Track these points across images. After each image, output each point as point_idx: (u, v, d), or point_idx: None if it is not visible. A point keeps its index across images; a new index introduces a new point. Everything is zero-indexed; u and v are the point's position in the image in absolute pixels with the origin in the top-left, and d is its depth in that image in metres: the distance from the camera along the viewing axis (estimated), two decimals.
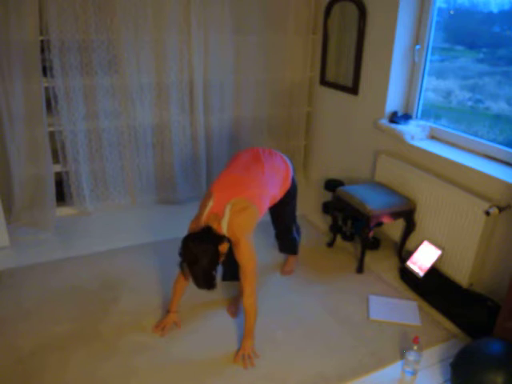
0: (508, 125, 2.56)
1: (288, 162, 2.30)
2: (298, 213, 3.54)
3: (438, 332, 2.32)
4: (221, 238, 1.95)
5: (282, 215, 2.50)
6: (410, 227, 2.81)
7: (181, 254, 1.92)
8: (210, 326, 2.33)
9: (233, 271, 2.23)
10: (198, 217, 2.05)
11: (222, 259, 1.98)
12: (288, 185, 2.26)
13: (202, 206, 2.03)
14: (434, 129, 2.93)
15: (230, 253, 2.04)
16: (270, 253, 2.94)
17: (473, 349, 1.90)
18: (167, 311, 2.27)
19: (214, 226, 1.96)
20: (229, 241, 2.00)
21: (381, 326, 2.35)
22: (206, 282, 1.90)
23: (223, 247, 1.96)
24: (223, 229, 1.96)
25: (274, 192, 2.16)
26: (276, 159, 2.23)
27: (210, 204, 1.98)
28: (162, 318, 2.27)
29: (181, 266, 1.94)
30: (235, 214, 1.94)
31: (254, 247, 2.01)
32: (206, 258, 1.85)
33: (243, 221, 1.96)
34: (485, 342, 1.94)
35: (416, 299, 2.57)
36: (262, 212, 2.07)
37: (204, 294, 2.43)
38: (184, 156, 3.61)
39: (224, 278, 2.54)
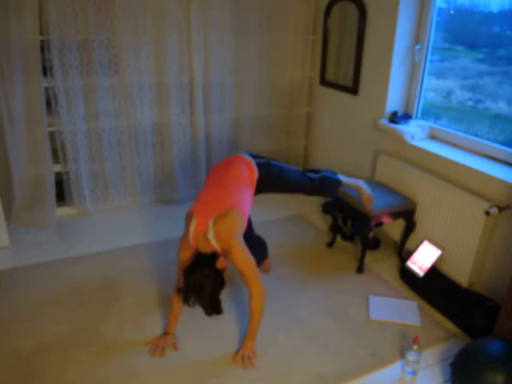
0: (508, 125, 2.56)
1: (247, 158, 2.28)
2: (298, 212, 3.57)
3: (438, 332, 2.32)
4: (214, 256, 1.96)
5: (287, 188, 2.46)
6: (409, 227, 2.81)
7: (184, 290, 1.93)
8: (210, 326, 2.33)
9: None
10: (185, 239, 2.04)
11: (226, 274, 1.99)
12: (254, 175, 2.24)
13: (186, 228, 2.04)
14: (434, 129, 2.93)
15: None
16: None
17: (473, 349, 1.90)
18: (164, 333, 2.22)
19: (203, 243, 1.97)
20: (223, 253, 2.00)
21: (381, 326, 2.35)
22: (213, 308, 1.94)
23: (220, 263, 1.97)
24: (212, 242, 1.96)
25: (248, 191, 2.18)
26: (237, 163, 2.24)
27: (193, 223, 1.99)
28: (157, 339, 2.19)
29: (186, 300, 1.93)
30: (218, 224, 1.95)
31: (246, 248, 2.00)
32: (209, 283, 1.88)
33: (227, 225, 1.97)
34: (485, 342, 1.94)
35: (416, 299, 2.57)
36: (245, 213, 2.08)
37: None
38: (184, 156, 3.61)
39: None
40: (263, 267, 2.71)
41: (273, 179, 2.33)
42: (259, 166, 2.29)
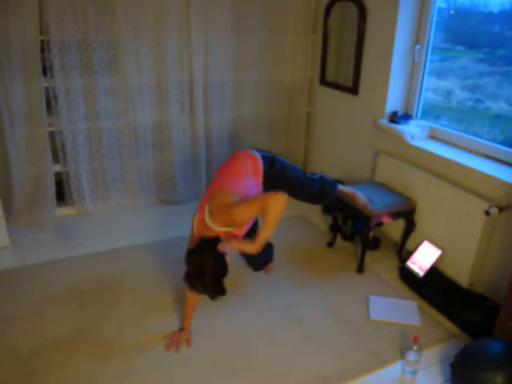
0: (508, 125, 2.56)
1: (251, 151, 2.29)
2: (298, 212, 3.57)
3: (438, 332, 2.32)
4: (216, 240, 1.96)
5: (291, 186, 2.43)
6: (410, 227, 2.81)
7: (187, 274, 1.95)
8: (209, 326, 2.33)
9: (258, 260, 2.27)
10: (191, 234, 2.12)
11: (229, 258, 2.00)
12: (259, 165, 2.23)
13: (192, 224, 2.12)
14: (434, 129, 2.93)
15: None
16: None
17: (473, 349, 1.91)
18: (180, 328, 2.26)
19: (205, 231, 2.01)
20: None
21: (381, 326, 2.35)
22: (216, 290, 1.93)
23: (221, 246, 1.97)
24: (210, 224, 1.98)
25: (250, 179, 2.17)
26: (240, 157, 2.24)
27: (196, 216, 2.08)
28: (173, 334, 2.23)
29: (190, 284, 1.96)
30: (211, 204, 1.99)
31: (244, 200, 1.94)
32: (209, 265, 1.89)
33: (218, 200, 1.98)
34: (485, 342, 1.94)
35: (416, 299, 2.57)
36: (238, 191, 2.03)
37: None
38: (184, 156, 3.61)
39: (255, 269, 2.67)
40: (266, 269, 2.76)
41: (277, 175, 2.32)
42: (264, 158, 2.28)
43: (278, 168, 2.32)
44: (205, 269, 1.88)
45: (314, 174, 2.59)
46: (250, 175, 2.18)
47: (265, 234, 1.93)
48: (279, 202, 1.88)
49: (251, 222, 2.12)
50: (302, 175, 2.46)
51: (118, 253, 2.97)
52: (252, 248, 1.97)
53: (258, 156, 2.26)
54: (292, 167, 2.41)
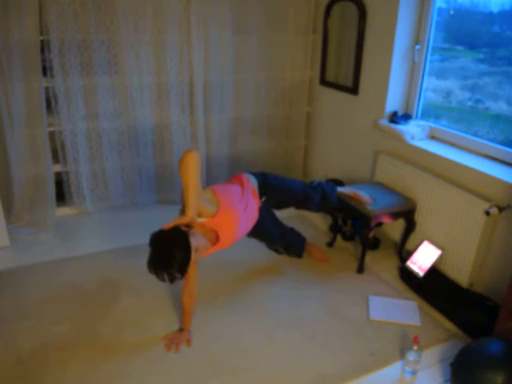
0: (508, 125, 2.56)
1: (239, 174, 2.39)
2: (297, 212, 3.55)
3: (438, 332, 2.32)
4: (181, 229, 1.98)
5: (293, 194, 2.55)
6: (410, 227, 2.81)
7: (150, 254, 1.94)
8: (209, 326, 2.33)
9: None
10: None
11: (200, 253, 2.00)
12: (243, 177, 2.32)
13: None
14: (434, 129, 2.93)
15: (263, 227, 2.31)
16: (269, 255, 2.94)
17: (473, 349, 1.90)
18: (180, 329, 2.26)
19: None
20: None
21: (381, 326, 2.35)
22: (181, 265, 1.89)
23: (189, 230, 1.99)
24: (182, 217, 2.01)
25: (234, 186, 2.26)
26: (229, 181, 2.38)
27: None
28: (173, 335, 2.23)
29: (152, 264, 1.92)
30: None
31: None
32: (172, 238, 1.98)
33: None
34: (485, 341, 1.93)
35: (416, 299, 2.57)
36: (211, 188, 2.16)
37: (202, 294, 2.43)
38: None
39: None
40: (314, 253, 2.86)
41: (274, 185, 2.42)
42: (254, 174, 2.40)
43: (272, 178, 2.44)
44: (168, 243, 1.92)
45: (311, 182, 2.70)
46: (235, 184, 2.29)
47: (186, 194, 1.97)
48: (183, 157, 1.92)
49: (235, 220, 2.11)
50: (299, 183, 2.59)
51: (117, 253, 2.97)
52: (187, 218, 1.99)
53: (245, 173, 2.38)
54: (287, 178, 2.55)
